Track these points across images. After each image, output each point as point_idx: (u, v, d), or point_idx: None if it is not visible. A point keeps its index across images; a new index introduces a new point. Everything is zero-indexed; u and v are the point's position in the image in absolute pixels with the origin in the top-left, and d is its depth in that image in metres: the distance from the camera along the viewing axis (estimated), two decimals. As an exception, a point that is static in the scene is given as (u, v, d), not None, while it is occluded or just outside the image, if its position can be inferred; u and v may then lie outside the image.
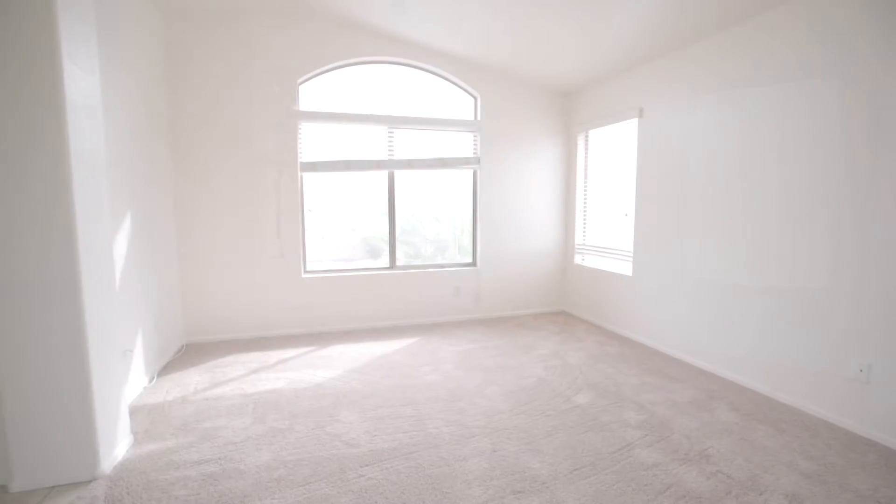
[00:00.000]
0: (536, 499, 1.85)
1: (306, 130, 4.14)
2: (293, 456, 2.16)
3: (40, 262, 1.84)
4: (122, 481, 1.97)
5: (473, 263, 4.79)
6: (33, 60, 1.77)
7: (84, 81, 1.95)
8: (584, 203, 4.85)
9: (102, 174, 2.11)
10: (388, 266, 4.52)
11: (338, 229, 4.54)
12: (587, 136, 4.75)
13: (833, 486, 1.93)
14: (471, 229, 4.80)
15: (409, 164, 4.42)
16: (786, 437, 2.34)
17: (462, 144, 4.66)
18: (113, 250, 2.30)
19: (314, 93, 4.17)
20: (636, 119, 3.91)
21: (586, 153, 4.80)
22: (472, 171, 4.70)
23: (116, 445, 2.15)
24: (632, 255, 4.04)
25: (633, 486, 1.93)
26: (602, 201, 4.63)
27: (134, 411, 2.60)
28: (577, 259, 4.93)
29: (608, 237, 4.53)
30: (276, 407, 2.68)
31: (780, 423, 2.50)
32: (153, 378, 3.11)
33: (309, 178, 4.23)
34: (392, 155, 4.39)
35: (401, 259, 4.62)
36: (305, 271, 4.25)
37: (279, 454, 2.17)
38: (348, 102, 4.27)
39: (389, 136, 4.38)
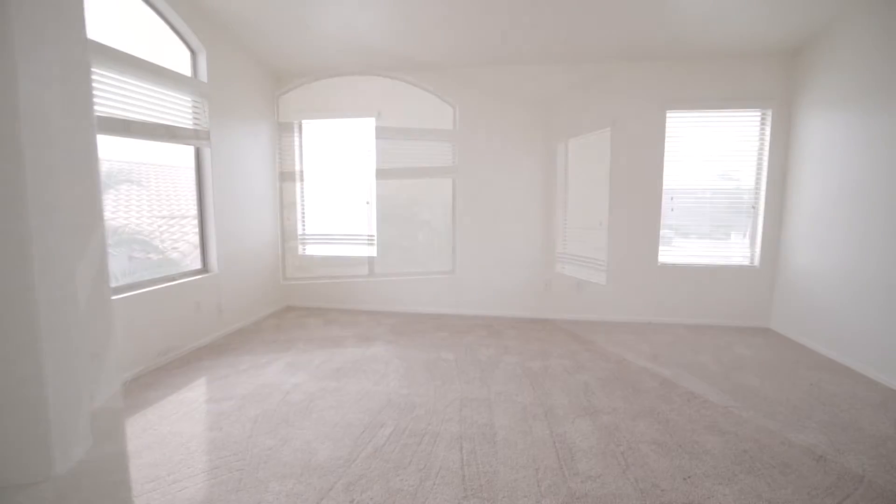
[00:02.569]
0: None
1: (287, 141, 4.25)
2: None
3: (-7, 269, 1.92)
4: (73, 482, 2.03)
5: (452, 271, 4.83)
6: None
7: (40, 97, 2.04)
8: (565, 212, 4.86)
9: (65, 184, 2.19)
10: (366, 273, 4.58)
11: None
12: (567, 146, 4.78)
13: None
14: (450, 236, 4.85)
15: (388, 173, 4.49)
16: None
17: (441, 153, 4.71)
18: (76, 262, 2.38)
19: (293, 102, 4.27)
20: (609, 129, 3.94)
21: (566, 162, 4.82)
22: (450, 179, 4.75)
23: (74, 447, 2.21)
24: (606, 264, 4.06)
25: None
26: (583, 210, 4.64)
27: (101, 413, 2.67)
28: (558, 267, 4.93)
29: (588, 246, 4.53)
30: (236, 411, 2.74)
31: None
32: (127, 382, 3.18)
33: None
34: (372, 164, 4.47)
35: (394, 264, 4.73)
36: (284, 278, 4.33)
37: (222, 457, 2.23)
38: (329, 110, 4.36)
39: (370, 145, 4.46)
